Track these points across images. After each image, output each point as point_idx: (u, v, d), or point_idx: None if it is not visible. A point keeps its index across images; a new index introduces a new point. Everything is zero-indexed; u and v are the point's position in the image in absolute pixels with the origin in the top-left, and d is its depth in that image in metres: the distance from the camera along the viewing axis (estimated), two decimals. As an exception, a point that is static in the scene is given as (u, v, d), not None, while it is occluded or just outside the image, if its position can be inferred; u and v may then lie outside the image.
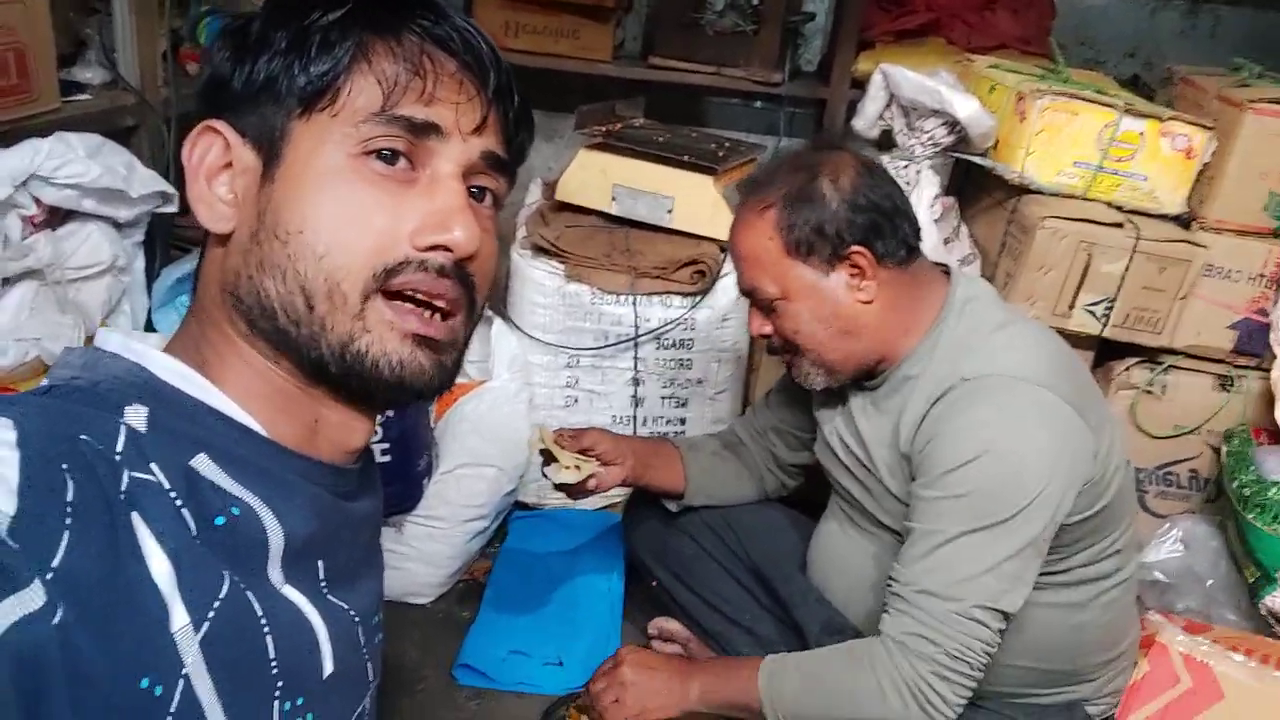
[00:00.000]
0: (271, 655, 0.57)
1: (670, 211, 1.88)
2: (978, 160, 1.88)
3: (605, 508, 1.95)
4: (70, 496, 0.48)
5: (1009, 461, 1.12)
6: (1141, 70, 2.73)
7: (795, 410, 1.53)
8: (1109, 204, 1.85)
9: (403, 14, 0.61)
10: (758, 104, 2.84)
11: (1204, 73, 2.09)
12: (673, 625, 1.61)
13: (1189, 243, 1.83)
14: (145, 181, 1.39)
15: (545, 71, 2.40)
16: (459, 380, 1.93)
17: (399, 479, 1.62)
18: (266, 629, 0.57)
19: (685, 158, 1.87)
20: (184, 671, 0.51)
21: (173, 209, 1.44)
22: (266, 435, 0.60)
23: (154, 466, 0.53)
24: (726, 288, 1.87)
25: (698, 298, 1.86)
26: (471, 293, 0.63)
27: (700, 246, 1.87)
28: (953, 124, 1.81)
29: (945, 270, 1.31)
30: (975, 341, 1.20)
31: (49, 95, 1.43)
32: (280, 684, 0.58)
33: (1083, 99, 1.81)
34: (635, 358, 1.88)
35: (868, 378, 1.30)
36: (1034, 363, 1.18)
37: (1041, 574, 1.22)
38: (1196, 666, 1.39)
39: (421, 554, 1.67)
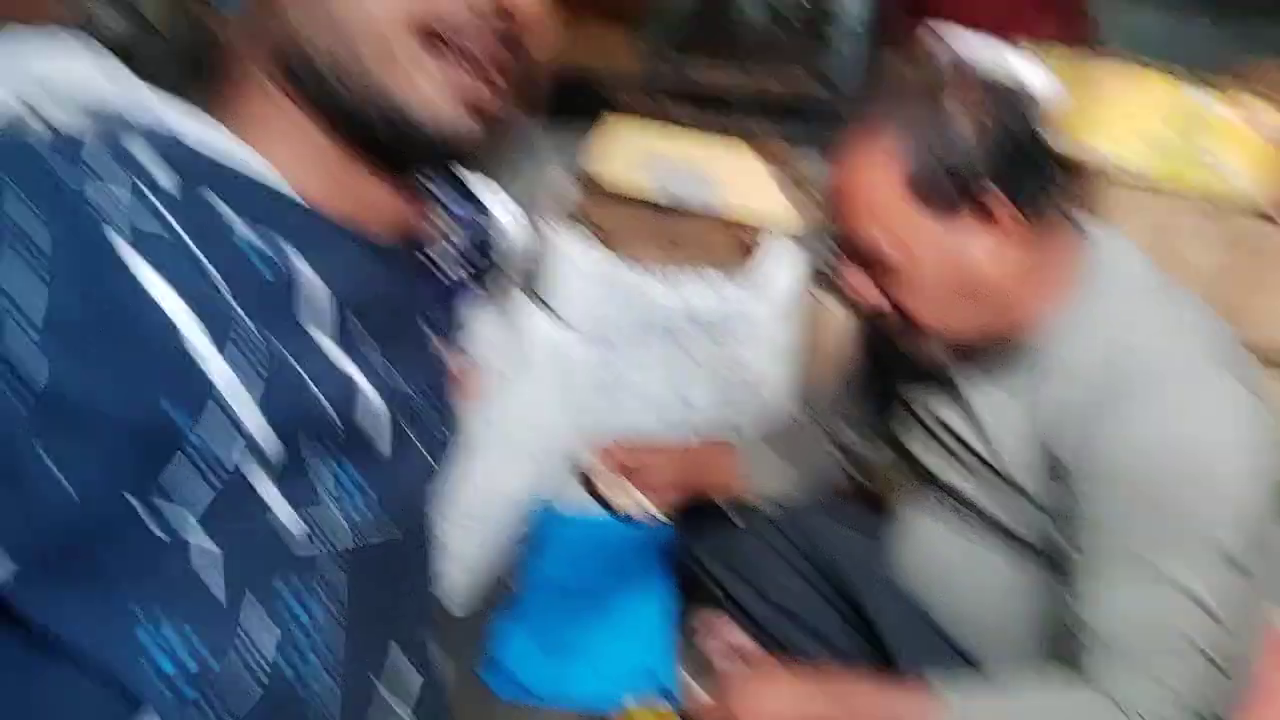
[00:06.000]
0: (315, 391, 0.54)
1: (715, 191, 1.75)
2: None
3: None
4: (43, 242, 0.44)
5: (1214, 468, 0.93)
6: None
7: (870, 396, 1.37)
8: (1188, 191, 1.73)
9: None
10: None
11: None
12: (732, 634, 1.42)
13: (1274, 224, 1.71)
14: None
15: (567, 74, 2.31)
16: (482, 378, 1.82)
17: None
18: (295, 363, 0.53)
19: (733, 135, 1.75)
20: (213, 391, 0.49)
21: None
22: (297, 198, 0.55)
23: (135, 182, 0.49)
24: (778, 276, 1.73)
25: (745, 274, 1.71)
26: (524, 66, 0.58)
27: (757, 231, 1.74)
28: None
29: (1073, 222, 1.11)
30: (1140, 312, 1.01)
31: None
32: (314, 415, 0.55)
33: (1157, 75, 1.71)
34: (684, 352, 1.72)
35: (990, 354, 1.11)
36: (1213, 341, 1.00)
37: None
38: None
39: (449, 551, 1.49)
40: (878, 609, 1.28)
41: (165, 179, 0.51)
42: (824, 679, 1.13)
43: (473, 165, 0.60)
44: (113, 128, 0.52)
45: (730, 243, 1.70)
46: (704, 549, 1.46)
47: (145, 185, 0.50)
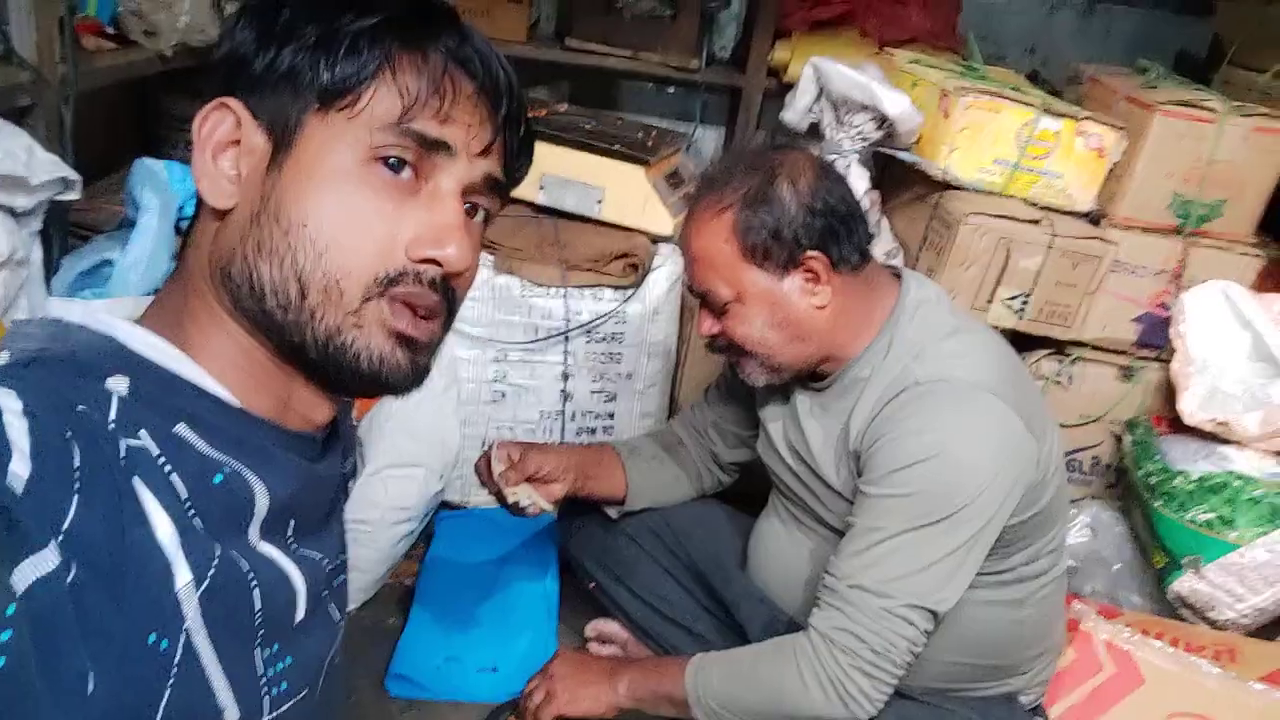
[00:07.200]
0: (257, 607, 0.61)
1: (600, 202, 1.85)
2: (903, 156, 1.90)
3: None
4: (76, 463, 0.50)
5: (954, 466, 1.13)
6: (1040, 67, 2.82)
7: (736, 408, 1.53)
8: (1025, 201, 1.90)
9: (431, 31, 0.62)
10: (672, 90, 2.84)
11: (1111, 72, 2.16)
12: (610, 626, 1.59)
13: (1100, 239, 1.90)
14: (46, 167, 1.27)
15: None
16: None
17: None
18: (254, 584, 0.60)
19: (615, 146, 1.83)
20: (185, 626, 0.54)
21: (74, 196, 1.32)
22: (240, 407, 0.61)
23: (143, 434, 0.55)
24: (657, 281, 1.85)
25: (629, 290, 1.83)
26: (451, 304, 0.66)
27: (631, 239, 1.85)
28: (881, 119, 1.82)
29: (895, 273, 1.32)
30: (928, 345, 1.21)
31: (-69, 69, 1.29)
32: (261, 633, 0.62)
33: (1004, 97, 1.85)
34: (565, 351, 1.84)
35: (813, 378, 1.31)
36: (984, 369, 1.20)
37: (981, 573, 1.24)
38: (1118, 653, 1.46)
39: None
40: (734, 600, 1.45)
41: (125, 388, 0.55)
42: (620, 667, 1.34)
43: (400, 391, 0.66)
44: (75, 342, 0.56)
45: (619, 265, 1.80)
46: (579, 545, 1.61)
47: (115, 400, 0.54)
